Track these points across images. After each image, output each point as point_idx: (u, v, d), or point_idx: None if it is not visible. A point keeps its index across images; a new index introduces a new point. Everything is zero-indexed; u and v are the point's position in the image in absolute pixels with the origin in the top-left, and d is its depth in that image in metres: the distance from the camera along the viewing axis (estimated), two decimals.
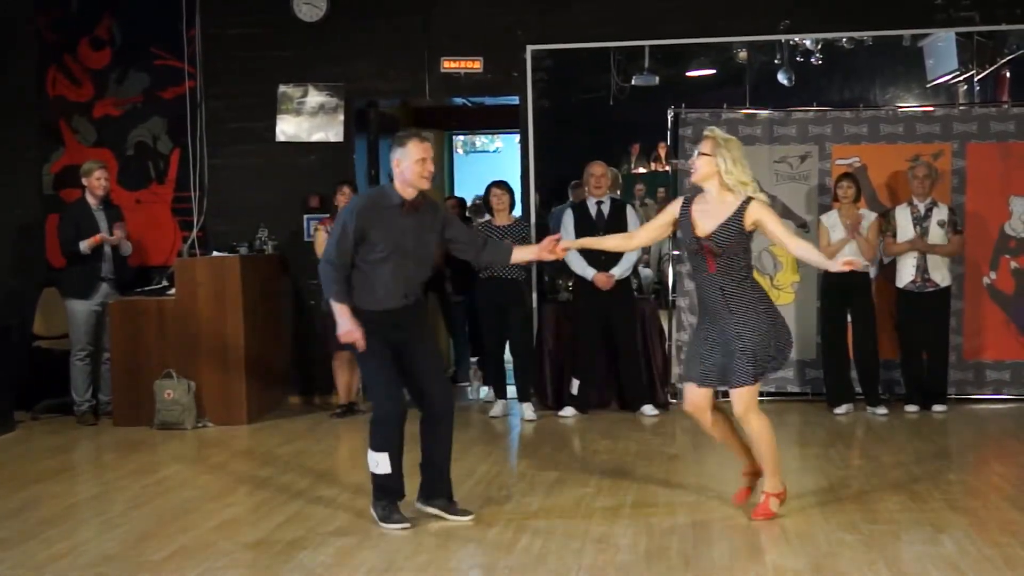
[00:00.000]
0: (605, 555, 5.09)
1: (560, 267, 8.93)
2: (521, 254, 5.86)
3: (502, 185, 8.84)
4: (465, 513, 5.69)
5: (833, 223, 8.65)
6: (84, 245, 8.64)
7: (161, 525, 5.77)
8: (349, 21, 9.52)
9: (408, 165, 5.46)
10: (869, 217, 8.65)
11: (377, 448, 5.54)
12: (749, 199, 5.48)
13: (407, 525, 5.53)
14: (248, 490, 6.54)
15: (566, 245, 5.87)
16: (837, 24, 9.29)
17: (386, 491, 5.61)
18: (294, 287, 9.61)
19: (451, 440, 5.71)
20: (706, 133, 5.61)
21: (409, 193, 5.51)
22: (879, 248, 8.68)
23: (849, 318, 8.71)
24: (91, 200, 8.79)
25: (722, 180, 5.50)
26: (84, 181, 8.81)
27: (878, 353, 8.75)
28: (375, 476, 5.60)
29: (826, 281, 8.77)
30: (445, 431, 5.68)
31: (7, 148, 9.66)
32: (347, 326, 5.47)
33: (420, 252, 5.60)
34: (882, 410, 8.56)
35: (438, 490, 5.71)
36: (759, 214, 5.46)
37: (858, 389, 8.76)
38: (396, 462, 5.56)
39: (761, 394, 9.00)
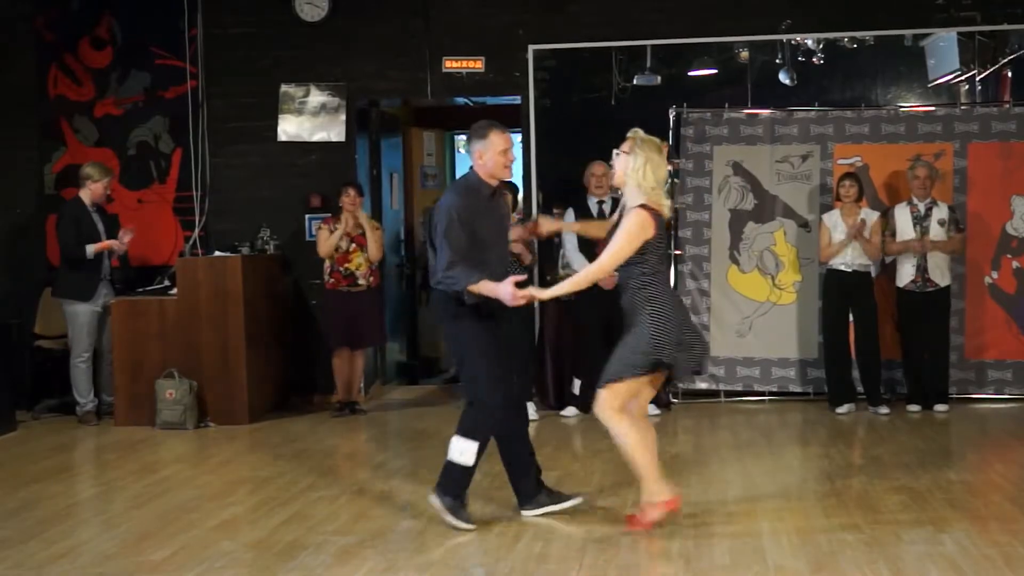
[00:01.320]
0: (606, 555, 5.08)
1: (562, 266, 8.91)
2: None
3: (507, 184, 8.81)
4: (571, 497, 5.76)
5: (835, 223, 8.65)
6: (91, 250, 8.60)
7: (161, 525, 5.77)
8: (351, 20, 9.52)
9: (492, 156, 5.51)
10: (871, 216, 8.65)
11: (471, 436, 5.45)
12: (639, 206, 5.30)
13: (474, 526, 5.49)
14: (248, 490, 6.54)
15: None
16: (838, 24, 9.28)
17: (461, 484, 5.51)
18: (295, 287, 9.60)
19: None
20: (629, 135, 5.46)
21: (493, 182, 5.60)
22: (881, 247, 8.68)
23: (851, 318, 8.70)
24: (87, 201, 8.76)
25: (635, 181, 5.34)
26: (89, 185, 8.75)
27: (880, 353, 8.73)
28: (454, 465, 5.48)
29: (828, 281, 8.77)
30: (526, 423, 5.87)
31: (7, 148, 9.66)
32: (504, 289, 5.28)
33: (507, 237, 5.79)
34: (884, 410, 8.55)
35: (536, 485, 5.75)
36: (624, 221, 5.32)
37: (860, 389, 8.76)
38: (479, 459, 5.50)
39: (762, 393, 9.20)
